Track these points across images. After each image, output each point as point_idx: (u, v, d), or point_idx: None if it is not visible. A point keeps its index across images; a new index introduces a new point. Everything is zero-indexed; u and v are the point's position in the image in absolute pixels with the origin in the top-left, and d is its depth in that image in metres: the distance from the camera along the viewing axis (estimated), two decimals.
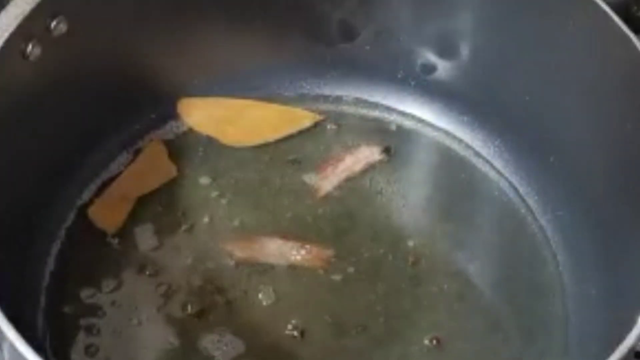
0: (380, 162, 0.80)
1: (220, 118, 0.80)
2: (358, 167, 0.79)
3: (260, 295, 0.71)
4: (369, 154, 0.80)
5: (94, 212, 0.74)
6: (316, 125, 0.81)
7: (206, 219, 0.75)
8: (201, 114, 0.80)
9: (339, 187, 0.78)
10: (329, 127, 0.81)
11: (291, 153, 0.79)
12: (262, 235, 0.74)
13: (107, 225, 0.74)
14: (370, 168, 0.79)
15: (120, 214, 0.74)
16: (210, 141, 0.79)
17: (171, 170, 0.77)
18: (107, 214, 0.74)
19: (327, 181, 0.78)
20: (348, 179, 0.78)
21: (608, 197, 0.71)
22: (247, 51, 0.81)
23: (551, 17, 0.72)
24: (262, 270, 0.72)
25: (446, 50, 0.80)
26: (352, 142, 0.80)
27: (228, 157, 0.79)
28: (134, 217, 0.74)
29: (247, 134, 0.80)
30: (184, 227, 0.74)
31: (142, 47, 0.76)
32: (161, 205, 0.75)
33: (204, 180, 0.77)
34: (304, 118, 0.81)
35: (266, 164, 0.79)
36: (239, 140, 0.79)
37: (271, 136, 0.80)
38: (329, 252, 0.74)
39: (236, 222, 0.75)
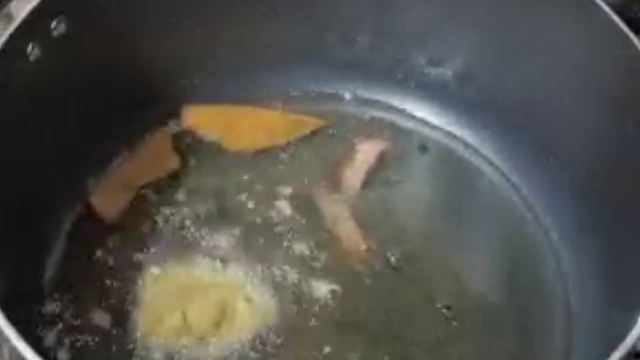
0: (381, 162, 0.80)
1: (224, 124, 0.80)
2: (358, 168, 0.79)
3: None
4: (369, 154, 0.80)
5: (96, 200, 0.74)
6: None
7: (203, 219, 0.75)
8: (205, 120, 0.80)
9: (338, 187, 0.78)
10: (329, 128, 0.81)
11: (291, 155, 0.79)
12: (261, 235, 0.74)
13: (107, 213, 0.74)
14: (370, 168, 0.79)
15: (122, 202, 0.74)
16: (212, 146, 0.79)
17: (174, 161, 0.77)
18: (109, 202, 0.74)
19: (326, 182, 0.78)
20: (348, 179, 0.78)
21: (608, 197, 0.71)
22: (248, 51, 0.81)
23: (551, 17, 0.72)
24: (259, 270, 0.72)
25: (446, 50, 0.80)
26: (352, 142, 0.80)
27: (229, 161, 0.78)
28: (133, 207, 0.74)
29: (249, 139, 0.79)
30: (178, 226, 0.74)
31: (142, 47, 0.76)
32: (159, 199, 0.75)
33: (203, 182, 0.77)
34: (306, 124, 0.81)
35: (266, 167, 0.78)
36: (242, 145, 0.79)
37: (273, 142, 0.80)
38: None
39: (235, 222, 0.75)
